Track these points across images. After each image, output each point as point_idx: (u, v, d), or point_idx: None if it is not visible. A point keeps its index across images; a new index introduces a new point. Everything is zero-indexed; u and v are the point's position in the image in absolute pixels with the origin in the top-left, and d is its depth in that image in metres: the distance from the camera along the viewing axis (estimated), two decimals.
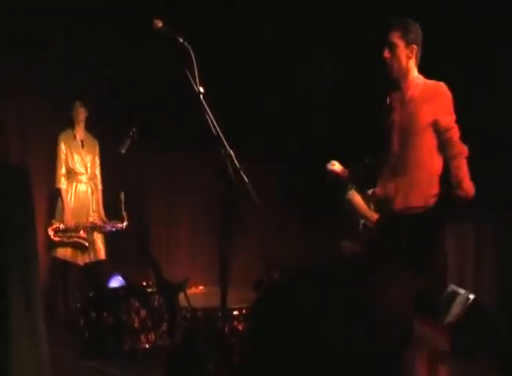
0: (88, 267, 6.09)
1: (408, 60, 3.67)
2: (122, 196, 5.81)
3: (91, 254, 6.07)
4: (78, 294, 3.03)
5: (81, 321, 3.01)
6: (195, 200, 7.03)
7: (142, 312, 3.06)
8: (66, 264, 6.00)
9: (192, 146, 6.41)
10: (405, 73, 3.70)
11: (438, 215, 3.68)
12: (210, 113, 2.88)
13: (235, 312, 3.51)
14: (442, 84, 3.70)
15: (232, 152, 2.84)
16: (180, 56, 2.88)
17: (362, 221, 5.56)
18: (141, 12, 5.14)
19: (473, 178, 3.65)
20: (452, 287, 5.86)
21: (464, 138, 3.70)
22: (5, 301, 3.14)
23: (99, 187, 6.29)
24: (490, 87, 5.55)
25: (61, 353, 4.06)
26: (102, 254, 6.14)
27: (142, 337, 3.04)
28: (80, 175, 6.14)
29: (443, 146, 3.63)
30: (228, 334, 3.36)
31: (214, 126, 2.87)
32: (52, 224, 5.90)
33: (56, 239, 5.87)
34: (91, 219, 6.10)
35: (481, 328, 5.49)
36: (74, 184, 6.11)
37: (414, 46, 3.67)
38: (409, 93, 3.69)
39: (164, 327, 3.11)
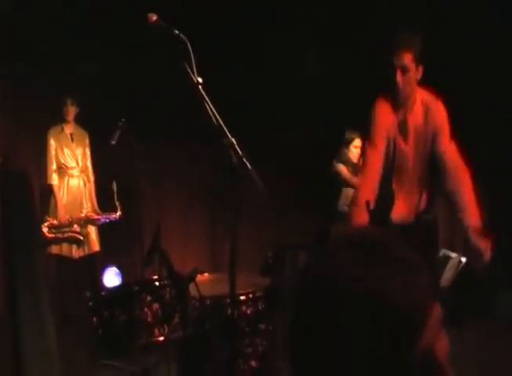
0: (83, 260, 6.06)
1: (417, 81, 3.46)
2: (114, 186, 5.77)
3: (86, 247, 6.04)
4: (89, 292, 3.03)
5: (94, 320, 3.00)
6: (185, 188, 7.03)
7: (155, 306, 3.05)
8: (61, 259, 5.96)
9: (181, 135, 6.46)
10: (414, 93, 3.50)
11: None
12: (209, 102, 2.83)
13: (242, 297, 3.51)
14: (441, 102, 3.57)
15: (234, 140, 2.81)
16: (175, 48, 2.84)
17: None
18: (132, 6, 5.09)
19: None
20: (443, 251, 5.91)
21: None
22: (15, 297, 3.23)
23: (91, 179, 6.23)
24: None
25: (73, 353, 4.08)
26: (96, 246, 6.12)
27: (156, 330, 3.03)
28: (71, 169, 6.08)
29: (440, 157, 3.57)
30: (237, 319, 3.38)
31: (215, 116, 2.83)
32: (46, 220, 5.83)
33: (50, 235, 5.81)
34: (84, 212, 6.05)
35: (473, 292, 5.57)
36: (66, 179, 6.05)
37: (421, 65, 3.41)
38: (415, 108, 3.53)
39: (176, 319, 3.10)
